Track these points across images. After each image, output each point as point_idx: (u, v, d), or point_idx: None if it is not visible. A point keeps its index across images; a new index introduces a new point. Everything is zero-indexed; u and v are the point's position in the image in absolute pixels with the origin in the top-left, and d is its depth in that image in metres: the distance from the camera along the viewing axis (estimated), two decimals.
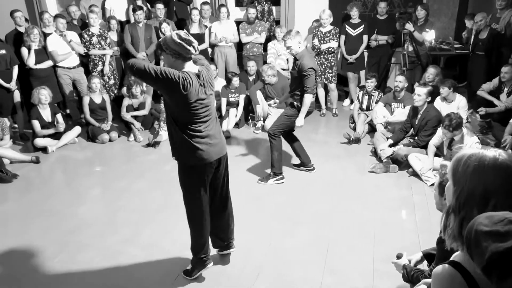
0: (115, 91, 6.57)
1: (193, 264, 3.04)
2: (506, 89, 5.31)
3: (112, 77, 6.51)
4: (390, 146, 4.86)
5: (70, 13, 6.64)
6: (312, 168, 4.71)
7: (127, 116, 6.03)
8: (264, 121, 6.10)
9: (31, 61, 5.86)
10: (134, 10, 6.52)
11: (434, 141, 4.52)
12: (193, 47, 2.58)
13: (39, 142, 5.55)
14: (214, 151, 2.77)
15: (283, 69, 6.60)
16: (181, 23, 6.82)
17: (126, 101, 6.10)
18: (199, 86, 2.61)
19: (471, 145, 4.08)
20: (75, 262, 3.29)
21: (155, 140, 5.62)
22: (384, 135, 5.12)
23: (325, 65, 6.38)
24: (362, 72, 6.91)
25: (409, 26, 6.05)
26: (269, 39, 6.85)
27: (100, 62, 6.38)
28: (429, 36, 6.23)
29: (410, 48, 6.17)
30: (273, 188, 4.41)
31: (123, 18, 7.16)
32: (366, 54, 6.81)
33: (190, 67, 2.64)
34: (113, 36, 6.61)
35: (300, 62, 4.17)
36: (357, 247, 3.36)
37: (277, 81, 6.08)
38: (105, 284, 3.06)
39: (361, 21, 6.45)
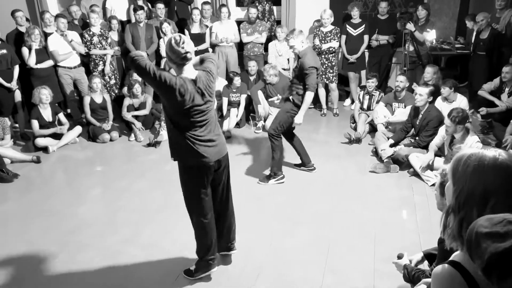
0: (116, 91, 6.57)
1: (197, 266, 3.02)
2: (507, 89, 5.30)
3: (113, 77, 6.52)
4: (391, 146, 4.85)
5: (71, 13, 6.65)
6: (312, 168, 4.71)
7: (127, 116, 6.03)
8: (265, 121, 6.10)
9: (32, 61, 5.86)
10: (135, 10, 6.54)
11: (436, 141, 4.51)
12: (185, 57, 2.54)
13: (40, 141, 5.55)
14: (213, 152, 2.75)
15: (284, 69, 6.60)
16: (182, 23, 6.82)
17: (127, 101, 6.10)
18: (195, 93, 2.58)
19: (471, 144, 4.07)
20: (75, 262, 3.29)
21: (155, 140, 5.62)
22: (385, 135, 5.11)
23: (326, 65, 6.37)
24: (363, 72, 6.90)
25: (410, 26, 6.05)
26: (270, 39, 6.85)
27: (101, 62, 6.38)
28: (430, 36, 6.23)
29: (411, 48, 6.18)
30: (273, 188, 4.40)
31: (124, 18, 7.17)
32: (367, 54, 6.81)
33: (188, 72, 2.61)
34: (114, 36, 6.62)
35: (302, 60, 4.18)
36: (357, 247, 3.35)
37: (278, 81, 6.08)
38: (105, 284, 3.06)
39: (362, 21, 6.45)
